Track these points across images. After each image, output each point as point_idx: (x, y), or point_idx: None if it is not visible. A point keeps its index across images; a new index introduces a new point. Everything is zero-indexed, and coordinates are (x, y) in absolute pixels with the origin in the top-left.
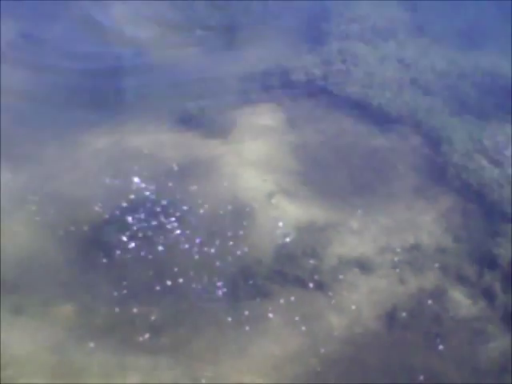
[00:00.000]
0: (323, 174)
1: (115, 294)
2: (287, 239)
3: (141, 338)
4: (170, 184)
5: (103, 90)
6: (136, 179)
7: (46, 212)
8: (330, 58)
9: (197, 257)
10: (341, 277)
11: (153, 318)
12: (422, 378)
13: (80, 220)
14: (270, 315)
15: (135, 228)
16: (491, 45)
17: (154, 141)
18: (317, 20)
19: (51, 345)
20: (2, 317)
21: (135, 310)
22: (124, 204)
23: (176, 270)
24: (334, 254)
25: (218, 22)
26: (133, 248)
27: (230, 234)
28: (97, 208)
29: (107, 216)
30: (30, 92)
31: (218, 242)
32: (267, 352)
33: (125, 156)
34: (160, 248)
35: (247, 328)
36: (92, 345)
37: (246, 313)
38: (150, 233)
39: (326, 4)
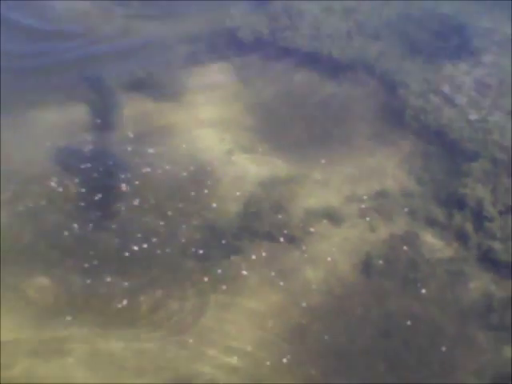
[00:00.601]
0: (280, 128)
1: (86, 265)
2: (251, 195)
3: (119, 305)
4: (129, 149)
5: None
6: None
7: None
8: (275, 16)
9: (162, 222)
10: (311, 230)
11: (126, 284)
12: (408, 323)
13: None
14: (244, 272)
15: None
16: None
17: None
18: None
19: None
20: None
21: (109, 279)
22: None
23: (142, 235)
24: (300, 207)
25: None
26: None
27: (193, 193)
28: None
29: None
30: None
31: (181, 204)
32: (249, 310)
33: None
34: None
35: (224, 287)
36: (69, 318)
37: (220, 271)
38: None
39: None
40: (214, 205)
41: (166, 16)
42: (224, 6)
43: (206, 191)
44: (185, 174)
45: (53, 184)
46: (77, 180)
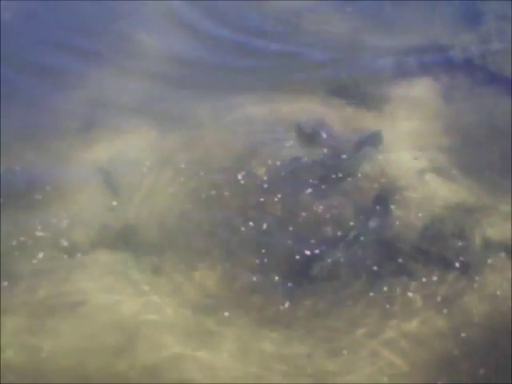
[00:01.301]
0: (476, 154)
1: (257, 261)
2: (436, 218)
3: (281, 307)
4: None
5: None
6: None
7: (191, 174)
8: (487, 37)
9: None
10: (489, 261)
11: (290, 285)
12: None
13: (223, 185)
14: (410, 294)
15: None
16: None
17: (307, 111)
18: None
19: (188, 308)
20: (142, 276)
21: (276, 279)
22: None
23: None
24: (481, 237)
25: None
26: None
27: (378, 208)
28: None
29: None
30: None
31: (362, 216)
32: (404, 329)
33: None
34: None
35: (387, 306)
36: (227, 314)
37: (386, 289)
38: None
39: None
40: (397, 222)
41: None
42: (434, 19)
43: (392, 206)
44: (376, 185)
45: (239, 177)
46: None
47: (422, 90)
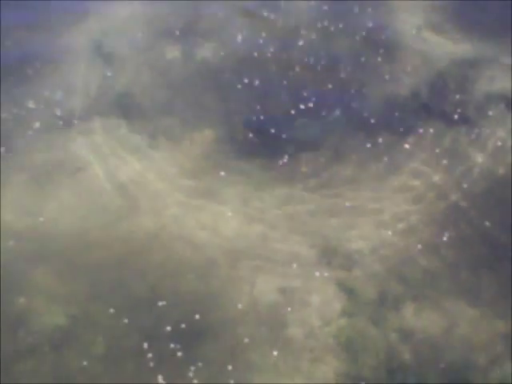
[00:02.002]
0: (475, 10)
1: (253, 118)
2: (436, 72)
3: (280, 162)
4: None
5: None
6: None
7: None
8: None
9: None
10: (489, 113)
11: (289, 140)
12: None
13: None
14: (406, 146)
15: None
16: None
17: None
18: None
19: (188, 169)
20: (139, 141)
21: (273, 131)
22: None
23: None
24: (482, 90)
25: None
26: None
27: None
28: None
29: None
30: None
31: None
32: (406, 183)
33: None
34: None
35: (385, 158)
36: (223, 173)
37: (380, 140)
38: None
39: None
40: (387, 77)
41: None
42: None
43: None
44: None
45: None
46: None
47: None
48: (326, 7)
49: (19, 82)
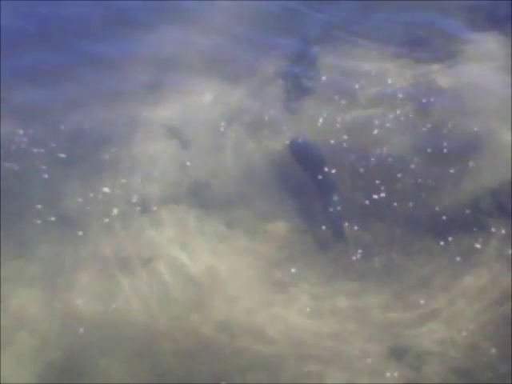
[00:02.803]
0: None
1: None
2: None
3: (354, 258)
4: None
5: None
6: None
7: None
8: None
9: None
10: None
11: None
12: None
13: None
14: (478, 246)
15: None
16: None
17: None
18: None
19: (262, 262)
20: (214, 231)
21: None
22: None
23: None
24: None
25: None
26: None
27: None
28: None
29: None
30: None
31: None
32: (478, 283)
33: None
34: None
35: (458, 258)
36: (296, 266)
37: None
38: None
39: None
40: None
41: None
42: None
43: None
44: None
45: None
46: None
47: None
48: None
49: (95, 168)
